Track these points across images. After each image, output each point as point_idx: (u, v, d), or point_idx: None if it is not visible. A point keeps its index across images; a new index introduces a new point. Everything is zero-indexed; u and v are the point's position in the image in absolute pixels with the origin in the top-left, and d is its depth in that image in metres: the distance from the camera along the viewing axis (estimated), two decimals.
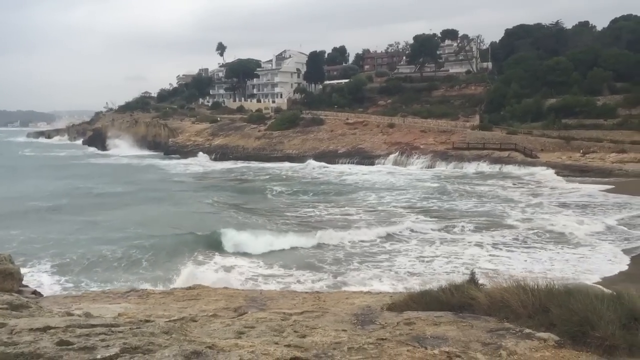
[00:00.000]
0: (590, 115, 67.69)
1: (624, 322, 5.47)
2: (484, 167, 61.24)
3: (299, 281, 20.00)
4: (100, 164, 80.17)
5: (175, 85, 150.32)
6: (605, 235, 27.65)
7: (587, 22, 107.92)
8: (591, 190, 44.26)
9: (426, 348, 5.18)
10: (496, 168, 60.08)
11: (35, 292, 10.00)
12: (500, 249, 24.93)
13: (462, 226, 30.31)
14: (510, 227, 29.96)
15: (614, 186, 45.30)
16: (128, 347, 4.14)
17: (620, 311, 5.60)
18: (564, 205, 37.35)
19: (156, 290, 11.21)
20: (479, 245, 25.74)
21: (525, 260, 22.80)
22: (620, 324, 5.39)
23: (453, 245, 25.85)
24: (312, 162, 72.72)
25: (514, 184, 49.13)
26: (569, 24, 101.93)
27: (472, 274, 8.21)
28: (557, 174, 53.36)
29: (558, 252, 24.25)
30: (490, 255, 23.88)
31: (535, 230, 28.66)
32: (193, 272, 20.37)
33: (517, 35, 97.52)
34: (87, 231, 29.80)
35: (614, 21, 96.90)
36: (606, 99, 70.96)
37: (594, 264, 22.12)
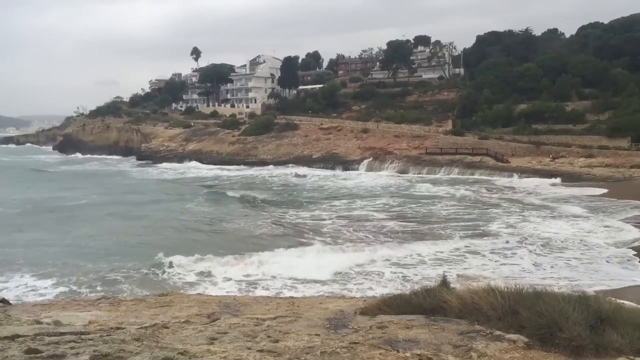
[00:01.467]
0: (560, 120, 68.92)
1: (591, 323, 5.59)
2: (457, 171, 61.91)
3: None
4: (72, 171, 78.82)
5: (147, 90, 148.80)
6: (612, 239, 27.19)
7: (555, 29, 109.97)
8: (580, 194, 44.34)
9: (398, 351, 5.23)
10: (468, 173, 60.78)
11: (3, 301, 9.79)
12: (505, 256, 24.31)
13: (450, 232, 30.08)
14: (497, 234, 29.39)
15: (607, 190, 45.35)
16: (98, 354, 4.10)
17: (587, 312, 5.72)
18: (554, 210, 37.06)
19: (128, 297, 11.07)
20: (475, 253, 25.06)
21: (523, 269, 22.02)
22: (587, 324, 5.51)
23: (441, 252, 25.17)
24: (288, 168, 72.75)
25: (489, 189, 49.62)
26: (538, 31, 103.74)
27: (444, 277, 8.31)
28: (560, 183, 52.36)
29: (557, 258, 23.72)
30: (491, 262, 23.33)
31: (530, 237, 28.14)
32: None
33: (488, 42, 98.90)
34: (62, 240, 29.24)
35: (582, 28, 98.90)
36: (575, 105, 72.29)
37: (609, 270, 21.49)
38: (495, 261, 23.52)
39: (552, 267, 22.44)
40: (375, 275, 21.82)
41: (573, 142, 62.35)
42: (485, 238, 28.36)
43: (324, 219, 35.14)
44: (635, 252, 24.23)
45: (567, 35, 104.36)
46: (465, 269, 22.31)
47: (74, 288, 19.90)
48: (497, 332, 5.74)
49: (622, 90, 70.23)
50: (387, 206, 40.65)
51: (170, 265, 22.98)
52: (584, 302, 5.99)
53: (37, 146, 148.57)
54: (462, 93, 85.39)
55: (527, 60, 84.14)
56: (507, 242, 27.14)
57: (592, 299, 6.25)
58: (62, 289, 19.81)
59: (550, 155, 60.69)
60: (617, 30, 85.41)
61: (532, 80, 77.39)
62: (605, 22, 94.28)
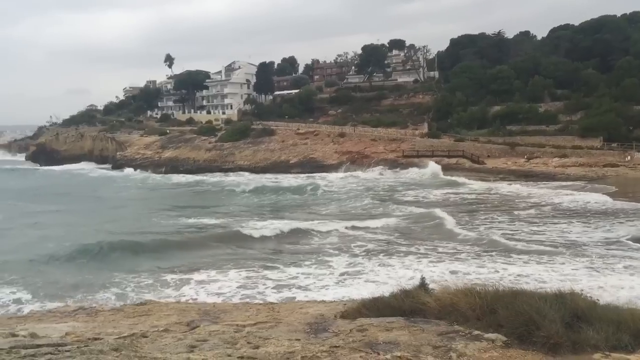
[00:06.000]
0: (533, 121, 69.93)
1: (567, 321, 5.69)
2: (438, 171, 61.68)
3: None
4: (48, 178, 77.56)
5: (122, 98, 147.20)
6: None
7: (527, 32, 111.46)
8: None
9: (379, 353, 5.25)
10: (447, 175, 60.43)
11: None
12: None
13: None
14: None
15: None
16: None
17: (563, 310, 5.82)
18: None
19: (105, 307, 10.95)
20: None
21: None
22: (563, 322, 5.60)
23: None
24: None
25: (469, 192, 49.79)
26: (510, 34, 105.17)
27: (423, 279, 8.36)
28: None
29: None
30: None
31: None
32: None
33: (462, 45, 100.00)
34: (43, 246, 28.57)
35: (553, 30, 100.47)
36: (547, 106, 73.46)
37: None
38: None
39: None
40: None
41: (547, 143, 63.26)
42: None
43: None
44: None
45: (539, 37, 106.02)
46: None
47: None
48: (476, 332, 5.80)
49: (594, 91, 71.57)
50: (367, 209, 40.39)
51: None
52: (560, 300, 6.09)
53: (10, 157, 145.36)
54: (437, 96, 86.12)
55: (500, 62, 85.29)
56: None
57: (568, 296, 6.35)
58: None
59: (525, 156, 61.46)
60: (588, 32, 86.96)
61: (506, 83, 78.45)
62: (576, 24, 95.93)
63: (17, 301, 19.05)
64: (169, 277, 21.75)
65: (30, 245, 29.31)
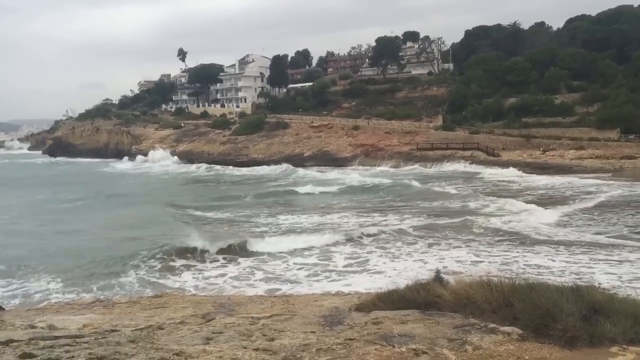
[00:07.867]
0: (549, 113, 69.29)
1: (584, 314, 5.63)
2: (449, 166, 61.80)
3: None
4: (62, 173, 78.31)
5: (136, 91, 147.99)
6: None
7: (543, 23, 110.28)
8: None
9: (394, 346, 5.24)
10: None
11: None
12: None
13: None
14: None
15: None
16: (93, 357, 4.09)
17: (581, 303, 5.76)
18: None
19: (122, 299, 11.05)
20: None
21: None
22: (580, 315, 5.55)
23: None
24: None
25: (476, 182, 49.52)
26: (525, 25, 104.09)
27: (438, 272, 8.33)
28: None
29: None
30: None
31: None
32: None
33: (477, 36, 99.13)
34: (68, 239, 28.88)
35: (569, 21, 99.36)
36: (564, 98, 72.72)
37: None
38: None
39: None
40: None
41: (563, 135, 62.67)
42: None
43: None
44: None
45: (555, 29, 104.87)
46: None
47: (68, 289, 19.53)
48: (492, 325, 5.76)
49: (611, 82, 70.71)
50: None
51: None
52: (577, 293, 6.03)
53: (27, 150, 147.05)
54: (452, 88, 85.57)
55: (515, 54, 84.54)
56: None
57: (584, 289, 6.29)
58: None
59: (541, 148, 60.96)
60: (605, 23, 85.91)
61: (521, 74, 77.79)
62: (593, 14, 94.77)
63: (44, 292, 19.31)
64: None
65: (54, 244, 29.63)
